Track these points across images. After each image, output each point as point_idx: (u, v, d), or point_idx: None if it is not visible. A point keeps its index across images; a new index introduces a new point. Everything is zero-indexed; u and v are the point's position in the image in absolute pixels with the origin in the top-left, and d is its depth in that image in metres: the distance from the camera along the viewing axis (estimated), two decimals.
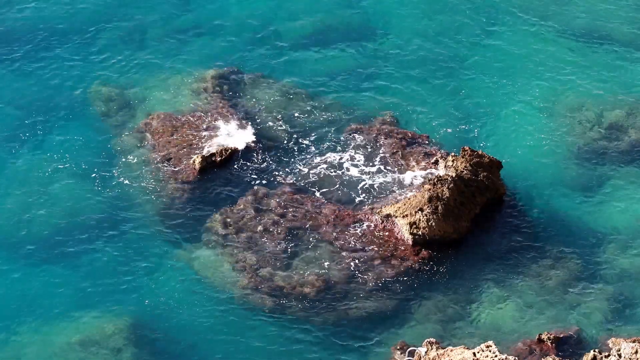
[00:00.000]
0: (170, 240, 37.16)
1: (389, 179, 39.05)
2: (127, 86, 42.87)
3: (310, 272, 36.05)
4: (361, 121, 41.39)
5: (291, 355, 33.95)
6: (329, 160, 39.75)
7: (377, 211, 37.52)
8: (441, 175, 37.76)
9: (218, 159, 39.37)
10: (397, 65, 44.15)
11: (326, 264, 36.33)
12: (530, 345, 33.87)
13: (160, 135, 40.43)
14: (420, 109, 42.18)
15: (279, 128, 40.99)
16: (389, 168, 39.37)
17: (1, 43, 44.84)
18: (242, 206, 38.12)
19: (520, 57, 44.71)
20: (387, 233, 37.09)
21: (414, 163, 39.44)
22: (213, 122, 40.98)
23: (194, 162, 39.18)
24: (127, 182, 38.89)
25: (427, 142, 40.52)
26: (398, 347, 33.83)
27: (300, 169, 39.47)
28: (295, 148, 40.24)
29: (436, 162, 39.16)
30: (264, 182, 39.01)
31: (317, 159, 39.82)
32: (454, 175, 37.51)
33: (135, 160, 39.65)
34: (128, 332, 34.17)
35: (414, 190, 38.25)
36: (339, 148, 40.23)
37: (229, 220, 37.61)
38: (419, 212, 36.66)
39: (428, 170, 39.02)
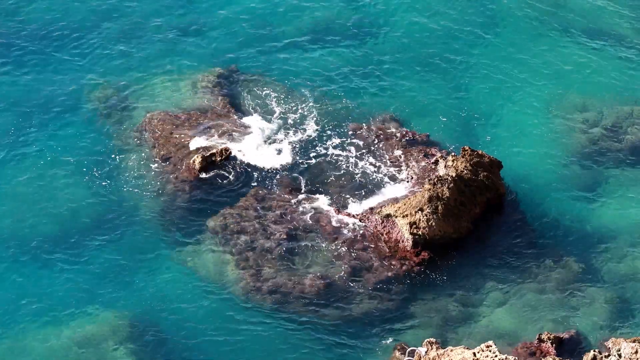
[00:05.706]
0: (170, 240, 37.14)
1: (389, 178, 39.03)
2: (127, 85, 42.84)
3: (310, 272, 36.03)
4: (361, 121, 41.37)
5: (291, 355, 33.94)
6: (328, 160, 39.73)
7: (377, 211, 37.49)
8: (441, 175, 37.73)
9: (218, 159, 39.33)
10: (397, 65, 44.14)
11: (326, 264, 36.32)
12: (531, 345, 33.86)
13: (160, 135, 40.41)
14: (420, 109, 42.18)
15: (278, 128, 40.96)
16: (389, 168, 39.34)
17: (0, 43, 44.89)
18: (242, 206, 38.09)
19: (521, 57, 44.68)
20: (387, 233, 37.06)
21: (414, 163, 39.42)
22: (213, 122, 40.95)
23: (193, 161, 39.14)
24: (126, 181, 38.86)
25: (427, 142, 40.50)
26: (398, 348, 33.81)
27: (299, 169, 39.45)
28: (295, 148, 40.21)
29: (436, 162, 39.14)
30: (263, 182, 38.99)
31: (317, 159, 39.78)
32: (454, 175, 37.48)
33: (135, 159, 39.62)
34: (127, 331, 34.17)
35: (413, 190, 38.23)
36: (339, 148, 40.19)
37: (229, 220, 37.59)
38: (419, 212, 36.63)
39: (428, 170, 39.01)
